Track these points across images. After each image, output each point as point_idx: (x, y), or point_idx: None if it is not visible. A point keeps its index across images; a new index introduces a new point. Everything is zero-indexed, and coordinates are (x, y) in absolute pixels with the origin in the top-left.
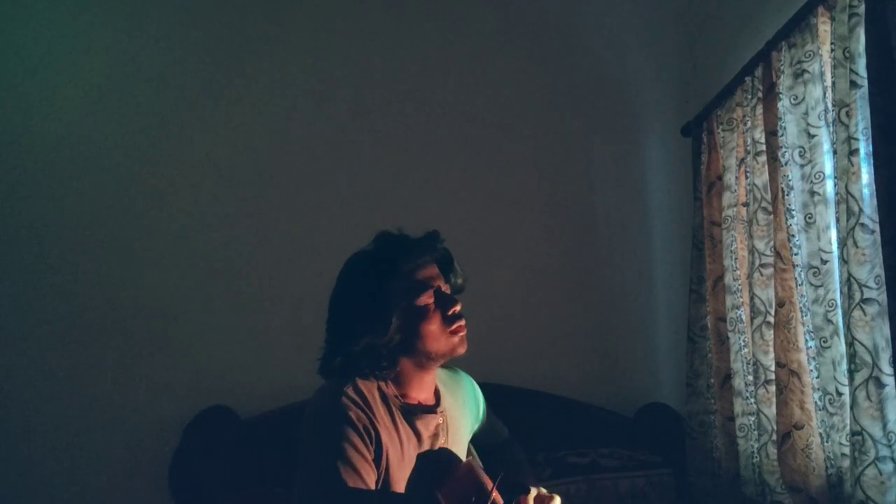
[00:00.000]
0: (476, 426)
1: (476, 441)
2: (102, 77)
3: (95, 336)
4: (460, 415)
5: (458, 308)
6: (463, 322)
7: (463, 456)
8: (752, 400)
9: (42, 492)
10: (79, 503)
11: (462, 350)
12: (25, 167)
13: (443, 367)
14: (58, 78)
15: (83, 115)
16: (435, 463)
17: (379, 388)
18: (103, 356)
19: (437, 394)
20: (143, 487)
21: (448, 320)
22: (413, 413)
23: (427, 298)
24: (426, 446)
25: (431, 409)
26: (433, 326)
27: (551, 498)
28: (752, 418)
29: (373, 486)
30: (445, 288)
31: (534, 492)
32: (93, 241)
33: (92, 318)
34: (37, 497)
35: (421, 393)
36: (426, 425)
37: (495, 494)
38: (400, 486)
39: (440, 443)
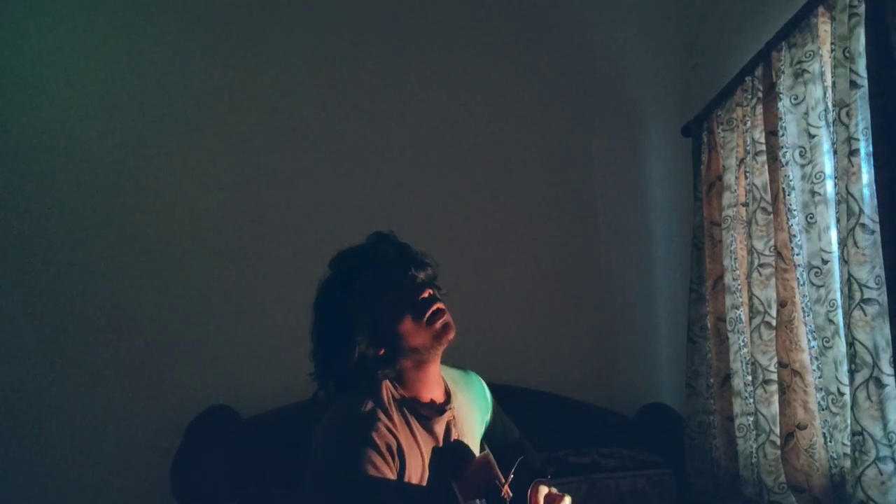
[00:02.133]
0: (486, 423)
1: (487, 440)
2: (103, 78)
3: (96, 336)
4: (469, 411)
5: (426, 293)
6: (438, 305)
7: (476, 452)
8: (751, 400)
9: (43, 491)
10: (80, 502)
11: (450, 335)
12: (27, 167)
13: (453, 367)
14: (58, 78)
15: (83, 117)
16: (450, 455)
17: (392, 396)
18: (104, 356)
19: (447, 392)
20: (145, 487)
21: (419, 310)
22: (428, 418)
23: (390, 300)
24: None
25: (442, 407)
26: (407, 324)
27: (562, 497)
28: (751, 418)
29: None
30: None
31: (545, 489)
32: (93, 241)
33: (93, 317)
34: (38, 497)
35: (430, 391)
36: (441, 425)
37: (506, 488)
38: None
39: (451, 438)
